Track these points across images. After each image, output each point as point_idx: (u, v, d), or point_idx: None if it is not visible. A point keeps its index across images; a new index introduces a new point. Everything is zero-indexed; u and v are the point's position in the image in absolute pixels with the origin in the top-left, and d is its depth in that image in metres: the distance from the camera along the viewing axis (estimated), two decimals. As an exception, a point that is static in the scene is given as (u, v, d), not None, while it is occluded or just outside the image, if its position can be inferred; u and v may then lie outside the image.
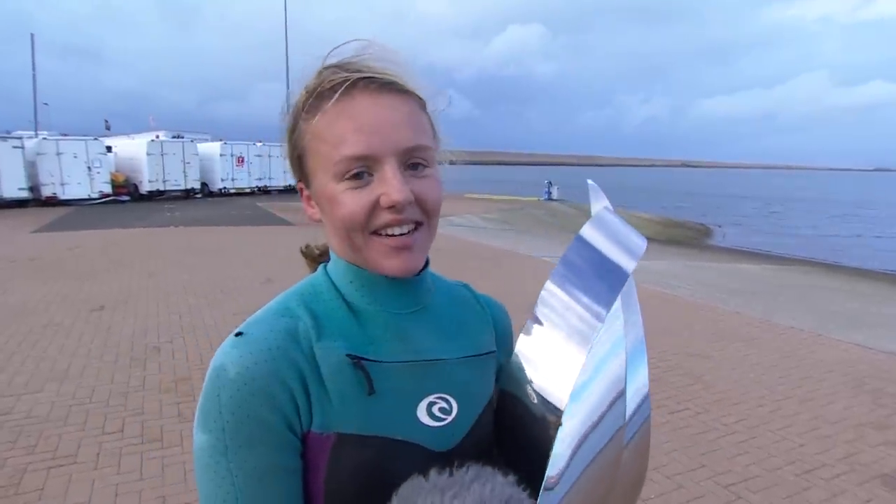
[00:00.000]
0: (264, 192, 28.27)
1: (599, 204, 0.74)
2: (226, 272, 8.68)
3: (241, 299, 6.95)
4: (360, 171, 0.63)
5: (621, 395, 0.64)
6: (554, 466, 0.58)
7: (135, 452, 3.28)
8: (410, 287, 0.71)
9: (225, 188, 26.41)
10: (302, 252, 0.83)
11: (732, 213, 31.10)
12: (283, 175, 29.32)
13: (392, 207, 0.62)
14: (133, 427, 3.59)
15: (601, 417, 0.62)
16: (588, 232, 0.69)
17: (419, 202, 0.65)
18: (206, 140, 30.28)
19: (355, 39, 0.68)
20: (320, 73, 0.67)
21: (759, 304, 7.25)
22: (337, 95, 0.63)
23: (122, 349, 5.08)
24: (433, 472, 0.60)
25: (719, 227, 23.92)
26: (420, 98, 0.67)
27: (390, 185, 0.62)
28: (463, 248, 11.06)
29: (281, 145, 0.73)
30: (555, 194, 26.63)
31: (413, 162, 0.64)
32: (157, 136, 26.75)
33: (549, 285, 0.68)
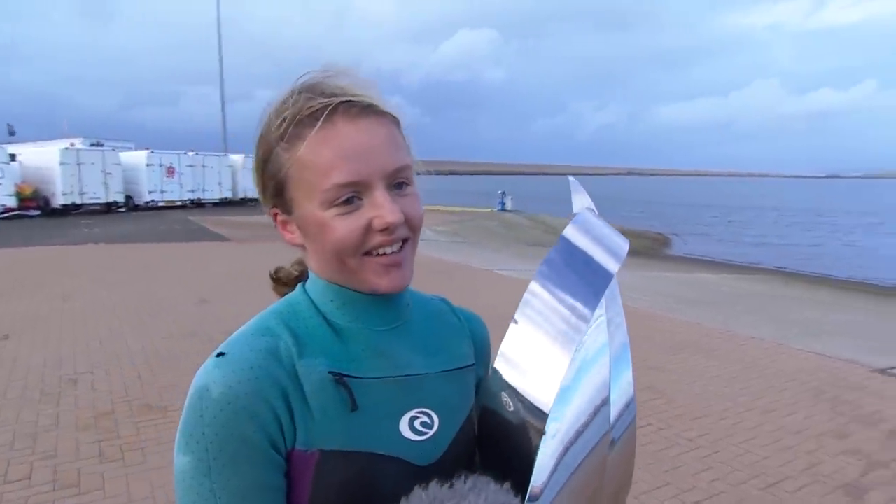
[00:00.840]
0: (198, 205, 27.59)
1: (581, 203, 0.78)
2: (154, 292, 8.37)
3: (172, 321, 6.71)
4: (351, 196, 0.67)
5: (606, 400, 0.67)
6: (538, 476, 0.61)
7: (45, 502, 3.08)
8: (390, 304, 0.76)
9: (153, 201, 25.63)
10: (272, 277, 0.85)
11: (692, 222, 32.29)
12: (217, 187, 28.64)
13: (385, 229, 0.67)
14: (43, 472, 3.37)
15: (586, 424, 0.65)
16: (570, 233, 0.73)
17: (406, 220, 0.70)
18: (130, 149, 29.32)
19: (313, 70, 0.72)
20: (295, 99, 0.69)
21: (718, 315, 7.55)
22: (320, 123, 0.67)
23: (30, 382, 4.78)
24: (433, 484, 0.64)
25: (676, 235, 24.81)
26: (395, 117, 0.72)
27: (383, 208, 0.67)
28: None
29: (252, 172, 0.76)
30: (509, 205, 27.06)
31: (398, 181, 0.70)
32: (73, 144, 25.65)
33: (533, 286, 0.71)
